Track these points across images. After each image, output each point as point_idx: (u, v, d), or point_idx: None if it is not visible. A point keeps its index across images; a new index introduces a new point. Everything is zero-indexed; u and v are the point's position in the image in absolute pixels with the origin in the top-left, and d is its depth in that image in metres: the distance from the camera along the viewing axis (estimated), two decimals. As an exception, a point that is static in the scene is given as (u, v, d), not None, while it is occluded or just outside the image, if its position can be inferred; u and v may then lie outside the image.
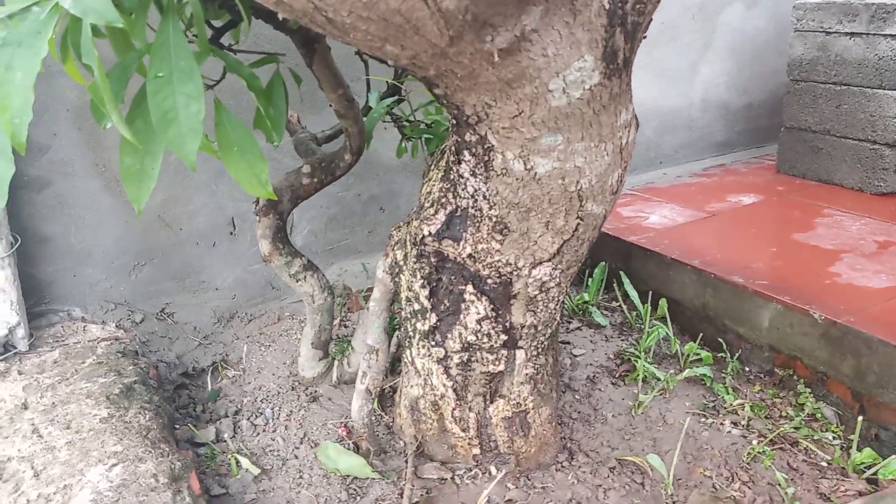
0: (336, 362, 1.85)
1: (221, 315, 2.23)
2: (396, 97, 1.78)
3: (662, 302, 2.05)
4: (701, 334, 2.01)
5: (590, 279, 2.24)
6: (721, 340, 1.97)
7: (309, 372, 1.85)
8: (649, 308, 2.04)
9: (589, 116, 1.18)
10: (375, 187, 2.38)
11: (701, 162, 3.11)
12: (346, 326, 2.17)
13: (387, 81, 1.79)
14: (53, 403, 1.62)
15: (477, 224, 1.34)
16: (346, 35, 1.00)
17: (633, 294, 2.12)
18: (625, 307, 2.19)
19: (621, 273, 2.19)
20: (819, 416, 1.71)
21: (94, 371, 1.75)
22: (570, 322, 2.16)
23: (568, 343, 2.04)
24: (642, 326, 2.06)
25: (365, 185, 2.35)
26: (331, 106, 1.60)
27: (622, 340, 2.06)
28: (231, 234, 2.20)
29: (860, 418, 1.60)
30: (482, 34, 0.99)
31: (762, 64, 3.17)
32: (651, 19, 1.23)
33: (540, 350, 1.51)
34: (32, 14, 0.98)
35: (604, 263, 2.24)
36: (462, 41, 0.99)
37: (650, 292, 2.14)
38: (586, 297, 2.21)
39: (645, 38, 1.27)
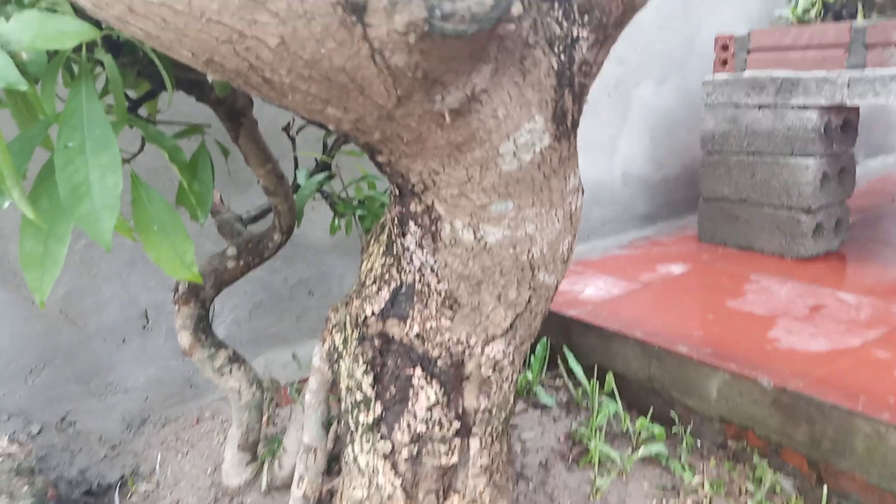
0: (266, 465, 1.67)
1: (132, 420, 2.00)
2: (327, 173, 1.69)
3: (609, 377, 1.99)
4: (650, 408, 1.95)
5: (532, 356, 2.16)
6: (671, 414, 1.91)
7: (235, 479, 1.65)
8: (596, 384, 1.97)
9: (539, 181, 1.13)
10: (304, 270, 2.25)
11: (626, 234, 3.14)
12: (274, 424, 1.98)
13: (316, 158, 1.70)
14: (-72, 538, 1.37)
15: (424, 300, 1.24)
16: (284, 97, 0.91)
17: (578, 370, 2.05)
18: (570, 384, 2.10)
19: (564, 348, 2.12)
20: (778, 489, 1.65)
21: (-21, 495, 1.51)
22: (515, 404, 2.05)
23: (516, 426, 1.93)
24: (589, 404, 1.97)
25: (293, 268, 2.22)
26: (258, 182, 1.49)
27: (570, 420, 1.96)
28: (144, 327, 2.00)
29: (825, 488, 1.55)
30: (432, 93, 0.92)
31: (675, 139, 3.28)
32: (591, 83, 1.21)
33: (495, 437, 1.40)
34: (-86, 78, 0.85)
35: (545, 339, 2.17)
36: (410, 101, 0.92)
37: (595, 367, 2.07)
38: (530, 375, 2.12)
39: (586, 102, 1.25)
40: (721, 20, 3.30)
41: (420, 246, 1.19)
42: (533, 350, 2.17)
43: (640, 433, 1.84)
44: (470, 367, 1.29)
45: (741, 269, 2.56)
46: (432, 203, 1.14)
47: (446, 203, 1.12)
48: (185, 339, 1.53)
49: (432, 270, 1.20)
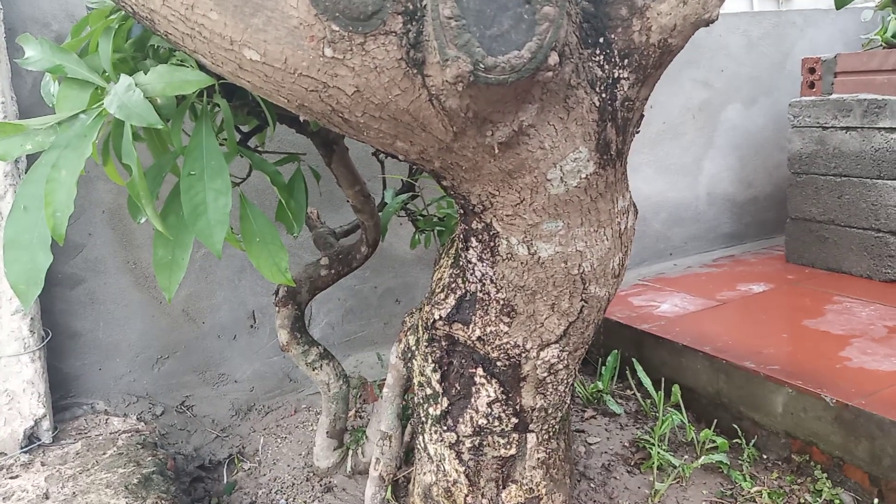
0: (351, 452, 1.87)
1: (239, 407, 2.26)
2: (410, 193, 1.88)
3: (675, 388, 2.06)
4: (716, 421, 2.01)
5: (603, 368, 2.26)
6: (736, 427, 1.96)
7: (324, 462, 1.86)
8: (663, 395, 2.05)
9: (587, 203, 1.26)
10: (391, 280, 2.45)
11: (711, 253, 3.17)
12: (361, 417, 2.19)
13: (402, 179, 1.90)
14: (74, 493, 1.65)
15: (485, 307, 1.39)
16: (360, 133, 1.10)
17: (647, 381, 2.13)
18: (639, 395, 2.19)
19: (634, 361, 2.21)
20: (837, 502, 1.68)
21: (114, 462, 1.78)
22: (584, 411, 2.17)
23: (583, 431, 2.04)
24: (657, 414, 2.06)
25: (381, 277, 2.43)
26: (348, 202, 1.70)
27: (637, 428, 2.06)
28: (251, 327, 2.27)
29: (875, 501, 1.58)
30: (483, 129, 1.08)
31: (765, 159, 3.28)
32: (642, 115, 1.33)
33: (551, 434, 1.53)
34: (80, 120, 1.10)
35: (616, 351, 2.27)
36: (465, 136, 1.09)
37: (663, 379, 2.15)
38: (600, 385, 2.22)
39: (638, 132, 1.37)
40: (814, 43, 3.28)
41: (481, 259, 1.36)
42: (604, 362, 2.27)
43: (703, 443, 1.91)
44: (526, 368, 1.44)
45: (825, 290, 2.55)
46: (490, 221, 1.30)
47: (502, 221, 1.28)
48: (283, 336, 1.76)
49: (492, 281, 1.36)
